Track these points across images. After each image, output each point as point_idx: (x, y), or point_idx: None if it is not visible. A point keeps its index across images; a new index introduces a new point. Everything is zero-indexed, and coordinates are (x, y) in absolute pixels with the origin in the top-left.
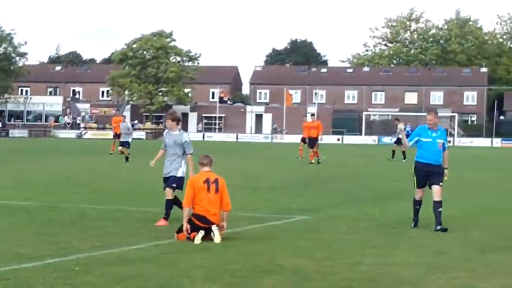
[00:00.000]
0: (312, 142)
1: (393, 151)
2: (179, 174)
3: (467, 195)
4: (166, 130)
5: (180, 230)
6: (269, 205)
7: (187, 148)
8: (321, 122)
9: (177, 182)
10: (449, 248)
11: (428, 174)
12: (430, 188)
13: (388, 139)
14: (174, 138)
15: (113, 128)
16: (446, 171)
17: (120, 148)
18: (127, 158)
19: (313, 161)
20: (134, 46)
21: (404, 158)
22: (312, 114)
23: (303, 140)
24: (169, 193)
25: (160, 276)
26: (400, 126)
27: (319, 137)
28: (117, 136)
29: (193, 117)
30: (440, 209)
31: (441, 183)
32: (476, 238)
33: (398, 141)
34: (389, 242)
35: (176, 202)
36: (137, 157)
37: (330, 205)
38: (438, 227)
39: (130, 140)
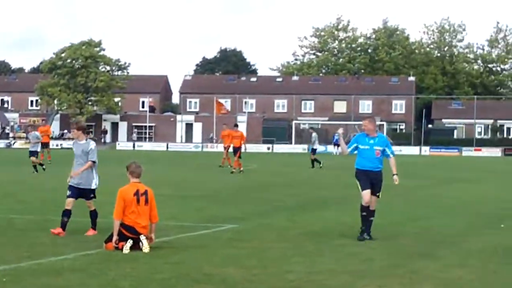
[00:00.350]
0: (235, 151)
1: (312, 161)
2: (93, 187)
3: (394, 202)
4: (74, 140)
5: (108, 240)
6: (199, 214)
7: (90, 155)
8: (244, 133)
9: (93, 193)
10: (376, 255)
11: (371, 182)
12: None
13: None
14: (81, 147)
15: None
16: (395, 176)
17: (33, 158)
18: (35, 167)
19: (234, 170)
20: (63, 55)
21: (313, 167)
22: (236, 125)
23: (226, 148)
24: (90, 205)
25: (89, 286)
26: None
27: (243, 147)
28: (44, 145)
29: (123, 126)
30: (372, 218)
31: (378, 194)
32: (403, 245)
33: (314, 151)
34: (317, 250)
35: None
36: (65, 166)
37: (259, 213)
38: (367, 236)
39: (38, 149)
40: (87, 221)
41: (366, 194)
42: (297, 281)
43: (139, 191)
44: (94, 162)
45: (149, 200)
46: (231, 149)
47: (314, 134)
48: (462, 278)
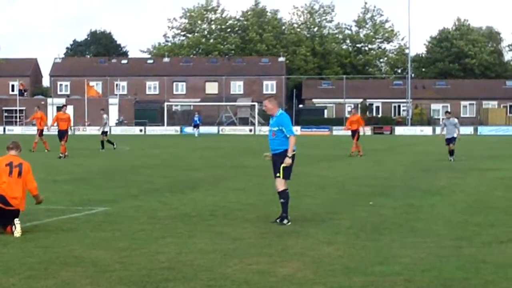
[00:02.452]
0: (62, 134)
1: (102, 142)
2: None
3: (266, 182)
4: None
5: None
6: (70, 197)
7: None
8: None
9: None
10: (247, 234)
11: (274, 164)
12: None
13: (190, 129)
14: None
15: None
16: (286, 158)
17: None
18: None
19: (62, 155)
20: None
21: (102, 148)
22: (64, 105)
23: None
24: None
25: None
26: (104, 116)
27: (69, 129)
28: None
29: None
30: (281, 200)
31: (277, 174)
32: (273, 224)
33: (105, 133)
34: (187, 231)
35: None
36: None
37: (130, 195)
38: (278, 220)
39: None
40: None
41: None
42: (167, 262)
43: (13, 163)
44: None
45: (23, 173)
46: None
47: (105, 116)
48: (330, 254)
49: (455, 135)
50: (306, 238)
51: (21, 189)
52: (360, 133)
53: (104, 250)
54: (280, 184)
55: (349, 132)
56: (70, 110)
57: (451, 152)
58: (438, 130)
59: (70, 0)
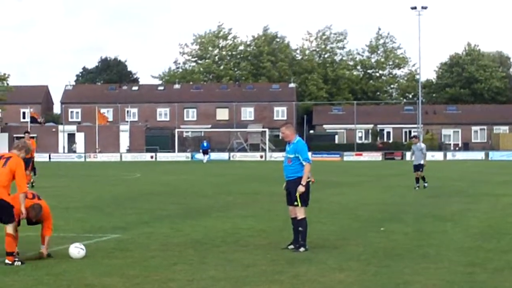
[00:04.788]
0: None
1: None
2: None
3: (276, 209)
4: None
5: None
6: (81, 224)
7: None
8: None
9: None
10: (258, 261)
11: (287, 191)
12: None
13: (201, 156)
14: None
15: None
16: (299, 186)
17: None
18: None
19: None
20: None
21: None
22: (27, 132)
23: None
24: None
25: None
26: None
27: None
28: None
29: (3, 138)
30: (300, 228)
31: (295, 203)
32: (285, 251)
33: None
34: (199, 258)
35: None
36: None
37: (141, 222)
38: (290, 246)
39: None
40: None
41: (290, 208)
42: None
43: (4, 156)
44: None
45: (8, 164)
46: None
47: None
48: (342, 281)
49: (422, 162)
50: (317, 265)
51: (3, 181)
52: None
53: (116, 277)
54: (300, 212)
55: (360, 158)
56: (81, 137)
57: (417, 180)
58: (449, 155)
59: (80, 27)
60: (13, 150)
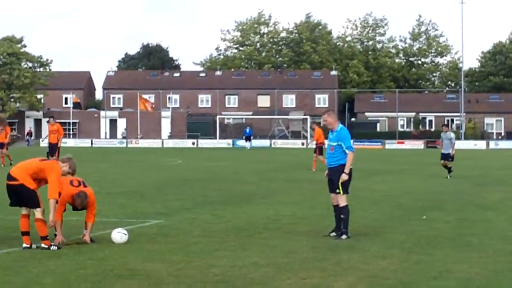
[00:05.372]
0: (51, 148)
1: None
2: None
3: (318, 196)
4: None
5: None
6: (123, 210)
7: None
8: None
9: None
10: (300, 248)
11: (330, 178)
12: None
13: (243, 142)
14: None
15: None
16: (342, 174)
17: None
18: None
19: None
20: None
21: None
22: (51, 117)
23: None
24: None
25: (12, 284)
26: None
27: (59, 142)
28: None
29: (45, 123)
30: (341, 216)
31: (337, 190)
32: (327, 238)
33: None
34: (241, 244)
35: None
36: None
37: (183, 208)
38: (332, 233)
39: None
40: (11, 219)
41: (332, 196)
42: (221, 275)
43: (44, 159)
44: None
45: (43, 162)
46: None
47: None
48: (385, 269)
49: (450, 151)
50: (360, 252)
51: (30, 167)
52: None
53: (158, 263)
54: (342, 200)
55: (402, 146)
56: (122, 123)
57: (449, 169)
58: (492, 144)
59: (123, 14)
60: (59, 160)
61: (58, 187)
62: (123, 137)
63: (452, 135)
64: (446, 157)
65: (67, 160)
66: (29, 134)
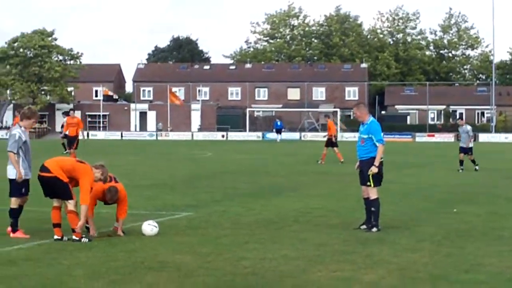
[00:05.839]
0: (70, 140)
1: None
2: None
3: (347, 189)
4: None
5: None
6: (153, 202)
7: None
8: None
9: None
10: (330, 241)
11: (360, 171)
12: None
13: (273, 135)
14: None
15: None
16: (372, 167)
17: None
18: None
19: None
20: (15, 44)
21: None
22: (71, 110)
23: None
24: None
25: (44, 275)
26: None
27: (80, 135)
28: None
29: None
30: (373, 209)
31: (368, 183)
32: (357, 231)
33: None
34: (271, 237)
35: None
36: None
37: (214, 201)
38: (363, 226)
39: None
40: (42, 210)
41: (363, 188)
42: (251, 268)
43: (82, 160)
44: (9, 151)
45: (79, 163)
46: None
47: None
48: (415, 262)
49: (470, 145)
50: (390, 245)
51: (66, 164)
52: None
53: (188, 255)
54: (372, 192)
55: (432, 139)
56: (152, 115)
57: (461, 162)
58: None
59: (153, 6)
60: (93, 167)
61: (89, 192)
62: (159, 130)
63: (469, 127)
64: (466, 150)
65: (100, 167)
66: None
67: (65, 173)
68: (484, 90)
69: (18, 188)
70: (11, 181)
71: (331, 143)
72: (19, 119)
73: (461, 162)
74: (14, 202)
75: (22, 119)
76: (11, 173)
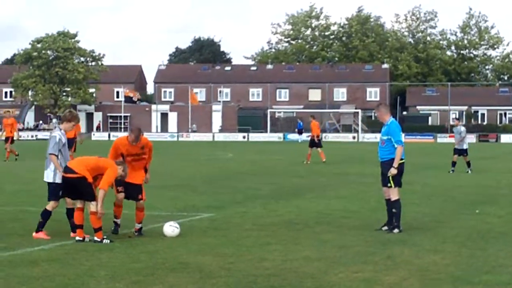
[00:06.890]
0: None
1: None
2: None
3: (369, 190)
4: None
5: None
6: (175, 203)
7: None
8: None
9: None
10: (352, 242)
11: (382, 173)
12: None
13: (296, 135)
14: None
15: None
16: (391, 168)
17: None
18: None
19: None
20: (39, 46)
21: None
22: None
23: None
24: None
25: (65, 276)
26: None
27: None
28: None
29: (98, 117)
30: (394, 210)
31: (388, 184)
32: (378, 232)
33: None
34: (292, 238)
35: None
36: (40, 158)
37: (235, 202)
38: (384, 227)
39: None
40: (63, 211)
41: (384, 189)
42: (272, 269)
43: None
44: (50, 154)
45: (103, 159)
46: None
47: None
48: (437, 263)
49: (464, 146)
50: (411, 247)
51: (90, 163)
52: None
53: (210, 256)
54: (393, 193)
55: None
56: (173, 116)
57: (453, 163)
58: None
59: (174, 8)
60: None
61: (110, 184)
62: (193, 131)
63: (462, 128)
64: (460, 151)
65: (121, 164)
66: (98, 128)
67: (90, 172)
68: (506, 90)
69: (56, 191)
70: (49, 184)
71: (314, 143)
72: (16, 123)
73: (453, 163)
74: (51, 205)
75: (63, 121)
76: (49, 176)
